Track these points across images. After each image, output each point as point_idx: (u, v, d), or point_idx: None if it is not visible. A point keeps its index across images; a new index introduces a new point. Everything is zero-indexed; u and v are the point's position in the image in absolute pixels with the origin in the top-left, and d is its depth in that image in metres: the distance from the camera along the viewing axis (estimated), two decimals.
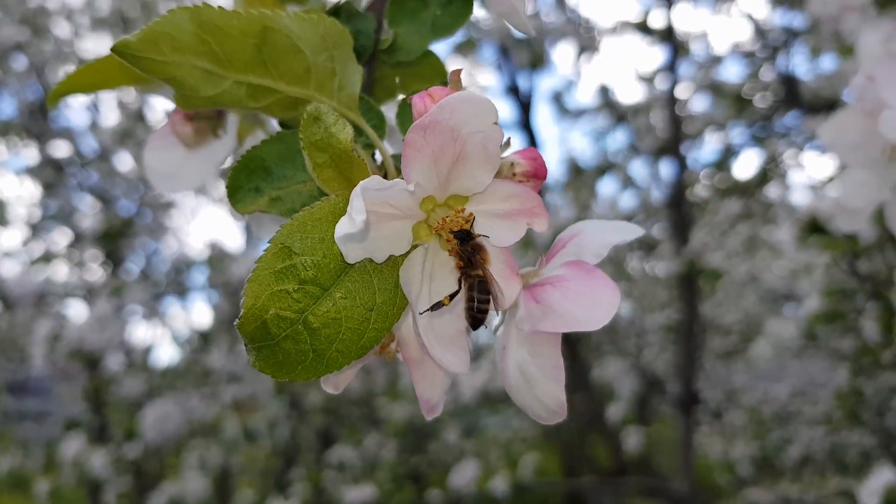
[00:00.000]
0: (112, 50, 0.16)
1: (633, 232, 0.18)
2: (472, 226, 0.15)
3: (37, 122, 2.65)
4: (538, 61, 2.01)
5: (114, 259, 1.85)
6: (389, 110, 0.25)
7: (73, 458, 2.02)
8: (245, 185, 0.17)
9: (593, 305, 0.15)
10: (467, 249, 0.16)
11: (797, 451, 2.77)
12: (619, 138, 2.51)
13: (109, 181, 2.45)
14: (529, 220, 0.16)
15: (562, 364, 0.16)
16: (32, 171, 2.52)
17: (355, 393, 2.71)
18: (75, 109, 3.05)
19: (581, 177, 2.52)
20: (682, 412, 2.23)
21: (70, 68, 2.74)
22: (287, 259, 0.15)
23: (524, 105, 2.40)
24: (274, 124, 0.21)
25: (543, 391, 0.15)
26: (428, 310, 0.15)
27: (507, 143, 0.17)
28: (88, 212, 2.66)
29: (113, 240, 1.75)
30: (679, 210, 2.26)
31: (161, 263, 2.37)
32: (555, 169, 3.01)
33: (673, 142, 2.24)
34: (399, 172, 0.18)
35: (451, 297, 0.17)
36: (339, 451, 2.51)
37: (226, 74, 0.17)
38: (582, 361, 2.62)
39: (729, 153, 2.36)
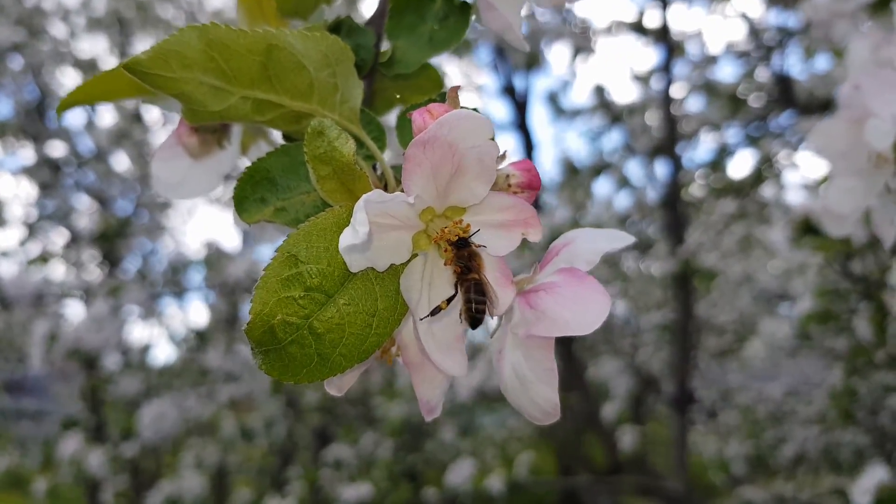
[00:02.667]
0: (123, 67, 0.16)
1: (624, 240, 0.18)
2: (469, 235, 0.16)
3: (33, 122, 2.65)
4: (534, 62, 2.02)
5: (111, 259, 1.85)
6: (389, 121, 0.26)
7: (70, 457, 2.02)
8: (251, 196, 0.18)
9: (584, 311, 0.16)
10: (464, 256, 0.17)
11: (791, 450, 2.79)
12: (614, 138, 2.52)
13: (106, 181, 2.45)
14: (524, 230, 0.17)
15: (555, 367, 0.16)
16: (29, 171, 2.52)
17: (352, 392, 2.72)
18: (71, 109, 3.03)
19: (576, 177, 2.53)
20: (676, 411, 2.25)
21: (67, 69, 2.74)
22: (293, 267, 0.15)
23: (520, 105, 2.41)
24: (277, 136, 0.21)
25: (537, 393, 0.16)
26: (427, 315, 0.16)
27: (503, 156, 0.18)
28: (85, 212, 2.66)
29: (110, 240, 1.75)
30: (674, 210, 2.27)
31: (158, 263, 2.37)
32: (550, 169, 3.01)
33: (668, 142, 2.25)
34: (398, 183, 0.19)
35: (449, 300, 0.18)
36: (336, 449, 2.51)
37: (232, 90, 0.17)
38: (577, 361, 2.63)
39: (724, 153, 2.37)
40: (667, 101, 2.25)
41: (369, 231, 0.14)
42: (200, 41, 0.16)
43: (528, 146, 2.46)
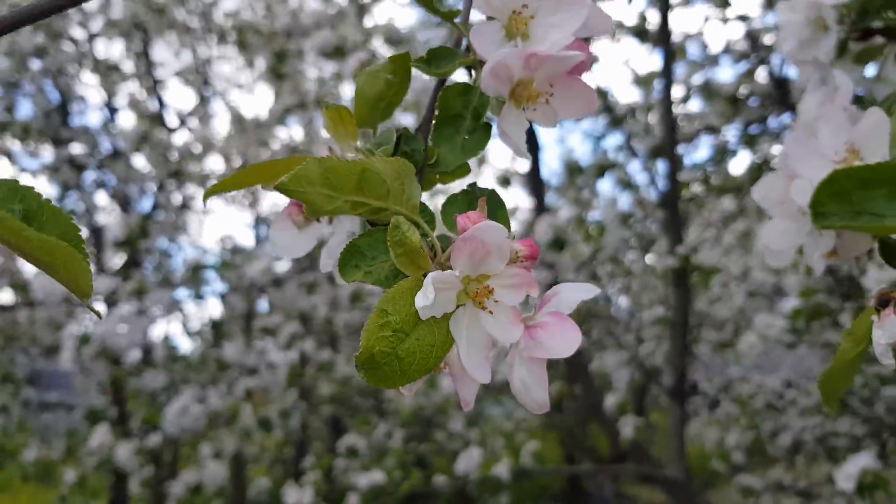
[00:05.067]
0: (274, 188, 0.26)
1: (594, 291, 0.27)
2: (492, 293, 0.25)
3: (54, 124, 2.74)
4: None
5: (133, 260, 1.94)
6: (436, 201, 0.35)
7: (98, 448, 2.13)
8: (349, 264, 0.27)
9: (565, 342, 0.25)
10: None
11: (788, 439, 2.87)
12: (616, 139, 2.60)
13: (127, 182, 2.54)
14: (527, 289, 0.26)
15: (546, 377, 0.26)
16: (50, 171, 2.61)
17: (364, 384, 2.82)
18: (92, 109, 3.13)
19: (580, 177, 2.61)
20: (675, 402, 2.34)
21: (86, 73, 2.83)
22: (385, 317, 0.24)
23: None
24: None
25: (535, 394, 0.25)
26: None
27: (513, 238, 0.26)
28: (106, 210, 2.76)
29: (133, 244, 1.85)
30: (674, 208, 2.35)
31: (177, 262, 2.46)
32: (556, 168, 3.08)
33: (669, 142, 2.33)
34: (443, 250, 0.28)
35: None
36: (350, 439, 2.61)
37: (338, 196, 0.26)
38: (582, 355, 2.72)
39: (723, 153, 2.45)
40: (667, 102, 2.33)
41: (435, 296, 0.23)
42: (320, 168, 0.26)
43: (534, 147, 2.54)
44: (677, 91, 2.57)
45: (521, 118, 0.29)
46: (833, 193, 0.36)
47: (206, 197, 0.31)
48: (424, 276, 0.24)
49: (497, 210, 0.29)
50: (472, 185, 0.30)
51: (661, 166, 2.35)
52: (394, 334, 0.24)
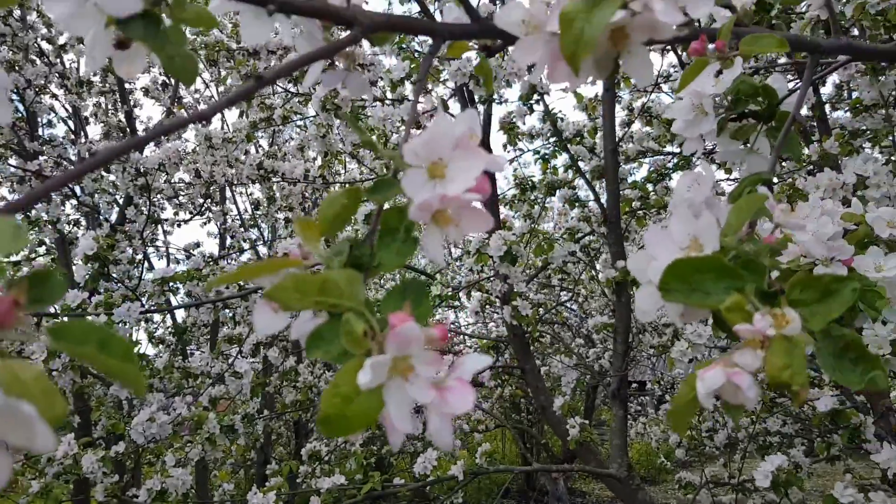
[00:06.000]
0: (264, 295, 0.36)
1: (488, 361, 0.38)
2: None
3: (20, 136, 2.75)
4: (490, 99, 2.22)
5: (102, 272, 1.99)
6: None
7: (63, 458, 2.16)
8: (313, 344, 0.37)
9: (464, 401, 0.36)
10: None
11: (723, 437, 3.06)
12: (564, 160, 2.74)
13: (93, 195, 2.57)
14: (437, 367, 0.37)
15: (451, 426, 0.37)
16: (17, 183, 2.62)
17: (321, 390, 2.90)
18: (60, 122, 3.13)
19: (532, 193, 2.75)
20: (617, 403, 2.49)
21: (53, 88, 2.84)
22: (337, 388, 0.35)
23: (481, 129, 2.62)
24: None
25: (444, 438, 0.36)
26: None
27: (431, 324, 0.37)
28: (74, 222, 2.77)
29: (103, 259, 1.90)
30: (617, 224, 2.50)
31: (145, 274, 2.50)
32: (507, 186, 3.23)
33: (612, 163, 2.48)
34: (383, 331, 0.39)
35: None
36: (312, 444, 2.69)
37: (306, 298, 0.37)
38: (534, 360, 2.86)
39: (661, 174, 2.62)
40: (611, 126, 2.48)
41: (372, 373, 0.34)
42: (293, 280, 0.36)
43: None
44: (621, 115, 2.74)
45: (438, 234, 0.41)
46: (675, 275, 0.48)
47: (208, 287, 0.41)
48: (368, 354, 0.35)
49: (422, 300, 0.40)
50: (404, 283, 0.41)
51: (604, 185, 2.50)
52: (342, 400, 0.35)
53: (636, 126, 2.76)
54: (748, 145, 0.78)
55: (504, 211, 3.09)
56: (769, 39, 0.56)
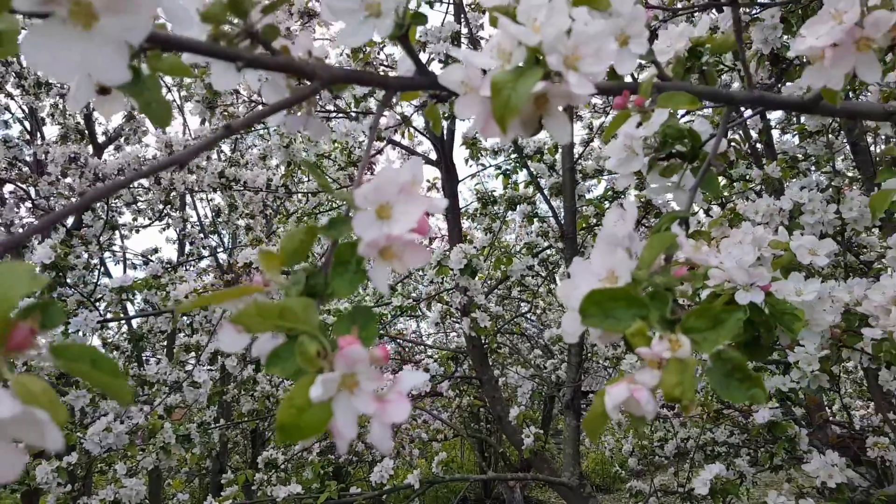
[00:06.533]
0: (230, 320, 0.42)
1: (425, 377, 0.45)
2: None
3: None
4: (452, 116, 2.31)
5: (59, 279, 1.99)
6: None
7: None
8: (271, 362, 0.44)
9: (402, 412, 0.43)
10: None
11: (673, 447, 3.19)
12: (524, 176, 2.84)
13: (49, 199, 2.55)
14: (378, 383, 0.43)
15: (390, 433, 0.43)
16: None
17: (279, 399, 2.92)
18: (14, 122, 3.10)
19: (492, 208, 2.83)
20: (571, 414, 2.58)
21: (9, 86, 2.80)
22: (292, 400, 0.41)
23: (444, 144, 2.70)
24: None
25: (384, 444, 0.42)
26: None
27: (375, 345, 0.44)
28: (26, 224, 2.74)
29: (60, 267, 1.90)
30: (573, 239, 2.61)
31: (101, 278, 2.50)
32: (470, 198, 3.31)
33: (569, 180, 2.59)
34: (332, 348, 0.45)
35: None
36: (269, 453, 2.71)
37: (267, 322, 0.43)
38: (492, 371, 2.94)
39: (617, 192, 2.73)
40: (570, 145, 2.59)
41: (322, 388, 0.40)
42: (256, 307, 0.43)
43: (452, 179, 2.74)
44: (580, 133, 2.85)
45: (385, 268, 0.47)
46: (593, 303, 0.56)
47: (177, 311, 0.47)
48: (320, 371, 0.42)
49: (368, 325, 0.47)
50: (353, 309, 0.47)
51: (562, 202, 2.60)
52: (297, 411, 0.41)
53: (595, 144, 2.88)
54: (675, 182, 0.87)
55: (466, 224, 3.17)
56: (682, 97, 0.65)
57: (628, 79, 0.69)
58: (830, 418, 3.86)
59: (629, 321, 0.55)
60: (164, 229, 3.33)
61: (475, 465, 5.07)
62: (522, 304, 3.62)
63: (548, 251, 2.88)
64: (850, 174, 2.87)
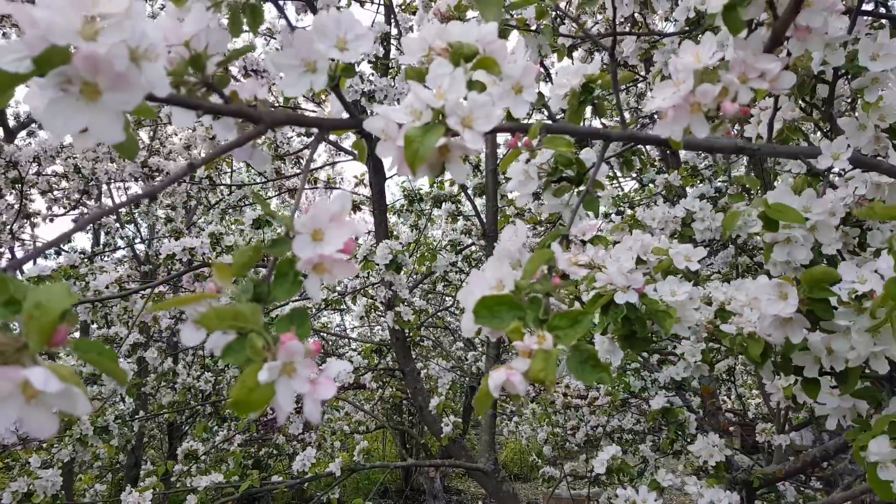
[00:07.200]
0: (195, 322, 0.55)
1: (347, 367, 0.59)
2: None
3: None
4: None
5: None
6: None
7: None
8: (226, 353, 0.57)
9: (329, 391, 0.57)
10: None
11: (583, 435, 3.46)
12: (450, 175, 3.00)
13: None
14: (312, 371, 0.57)
15: (320, 408, 0.57)
16: None
17: (203, 393, 2.97)
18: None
19: (419, 205, 2.98)
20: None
21: None
22: (244, 382, 0.55)
23: (369, 140, 2.81)
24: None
25: (315, 415, 0.56)
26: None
27: (311, 339, 0.58)
28: None
29: None
30: (494, 237, 2.79)
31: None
32: (397, 197, 3.45)
33: (492, 181, 2.77)
34: (275, 343, 0.59)
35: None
36: (188, 444, 2.76)
37: (222, 323, 0.56)
38: (414, 363, 3.10)
39: (535, 193, 2.94)
40: (493, 148, 2.77)
41: (268, 373, 0.54)
42: (214, 311, 0.56)
43: (379, 176, 2.87)
44: (503, 136, 3.04)
45: (316, 279, 0.61)
46: (484, 306, 0.72)
47: (139, 314, 0.59)
48: (265, 360, 0.55)
49: (303, 324, 0.60)
50: (292, 311, 0.61)
51: (485, 201, 2.78)
52: (248, 391, 0.55)
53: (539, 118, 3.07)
54: (565, 201, 1.05)
55: (393, 219, 3.30)
56: (561, 140, 0.82)
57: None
58: (727, 407, 4.26)
59: (510, 321, 0.72)
60: (78, 218, 3.27)
61: (397, 456, 5.24)
62: (447, 299, 3.79)
63: (471, 248, 3.06)
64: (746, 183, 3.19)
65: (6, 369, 0.39)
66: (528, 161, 0.87)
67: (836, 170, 1.07)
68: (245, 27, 0.63)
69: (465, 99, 0.62)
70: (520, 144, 0.80)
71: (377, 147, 0.65)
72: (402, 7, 2.85)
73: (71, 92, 0.47)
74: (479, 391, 0.72)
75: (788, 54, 0.94)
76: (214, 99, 0.63)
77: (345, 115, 0.72)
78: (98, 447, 2.39)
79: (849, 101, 1.24)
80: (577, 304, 1.09)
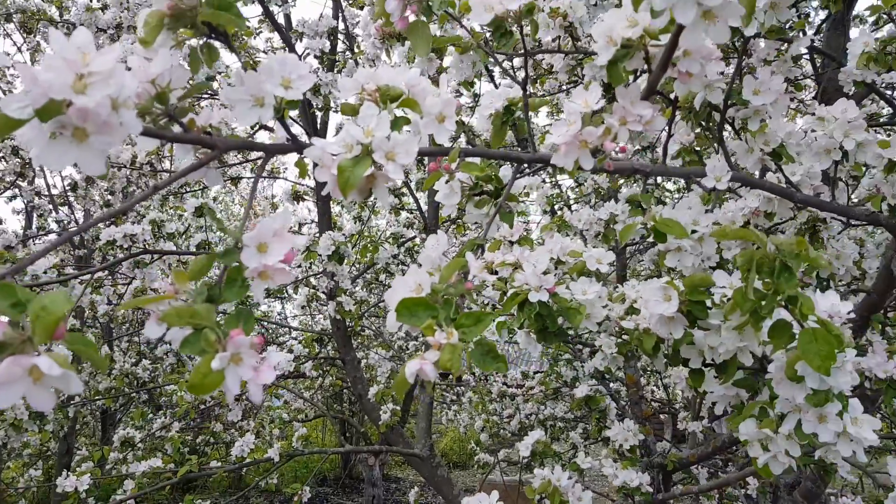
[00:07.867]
0: (159, 320, 0.68)
1: (287, 357, 0.73)
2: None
3: None
4: (328, 106, 2.55)
5: None
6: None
7: None
8: (184, 345, 0.70)
9: (269, 376, 0.71)
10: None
11: (516, 422, 3.67)
12: None
13: None
14: (256, 359, 0.71)
15: (262, 391, 0.71)
16: None
17: (141, 380, 3.04)
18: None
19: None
20: (424, 392, 2.95)
21: None
22: (200, 369, 0.68)
23: (317, 132, 2.92)
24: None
25: (258, 397, 0.70)
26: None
27: (255, 334, 0.71)
28: None
29: None
30: (435, 231, 2.95)
31: None
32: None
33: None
34: (225, 338, 0.73)
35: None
36: (124, 431, 2.82)
37: (182, 320, 0.70)
38: (355, 353, 3.23)
39: None
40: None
41: (220, 361, 0.68)
42: (177, 310, 0.69)
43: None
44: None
45: (261, 284, 0.75)
46: (404, 306, 0.87)
47: (119, 309, 0.71)
48: (216, 351, 0.69)
49: (249, 321, 0.74)
50: (238, 310, 0.75)
51: (426, 196, 2.93)
52: (202, 376, 0.68)
53: (461, 141, 3.23)
54: (485, 213, 1.21)
55: (336, 209, 3.42)
56: (475, 166, 0.97)
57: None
58: (650, 395, 4.55)
59: (425, 319, 0.87)
60: (10, 199, 3.26)
61: (337, 444, 5.36)
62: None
63: (414, 241, 3.21)
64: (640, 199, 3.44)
65: (19, 357, 0.52)
66: (446, 182, 1.03)
67: (720, 188, 1.26)
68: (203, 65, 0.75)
69: (388, 138, 0.77)
70: (440, 168, 0.95)
71: (315, 172, 0.79)
72: (350, 2, 2.95)
73: (64, 135, 0.58)
74: (396, 378, 0.87)
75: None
76: (175, 128, 0.75)
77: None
78: (31, 433, 2.43)
79: (738, 127, 1.44)
80: (505, 299, 1.26)
